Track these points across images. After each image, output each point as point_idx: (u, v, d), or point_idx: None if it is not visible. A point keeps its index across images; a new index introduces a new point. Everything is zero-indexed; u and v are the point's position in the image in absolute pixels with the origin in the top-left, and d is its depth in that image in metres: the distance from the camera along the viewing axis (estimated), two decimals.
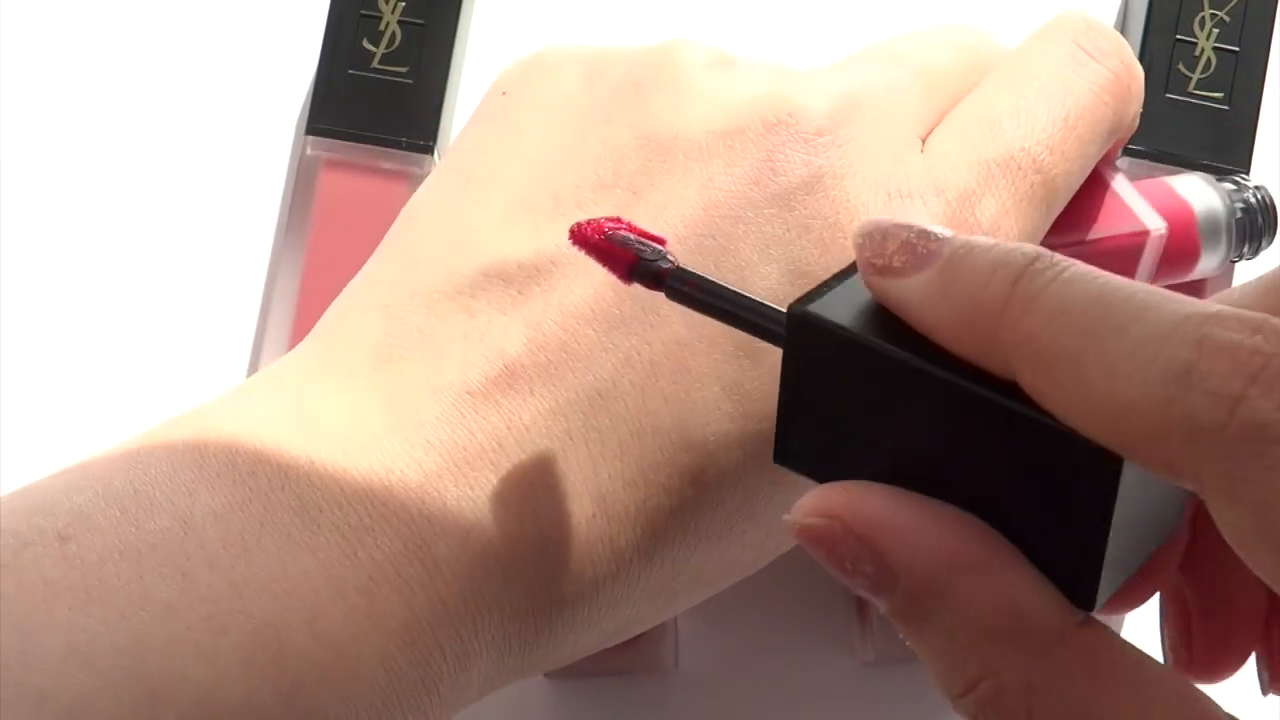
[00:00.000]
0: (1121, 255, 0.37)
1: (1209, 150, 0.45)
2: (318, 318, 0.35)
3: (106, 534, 0.29)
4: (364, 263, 0.36)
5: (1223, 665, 0.30)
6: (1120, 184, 0.38)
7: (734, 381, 0.32)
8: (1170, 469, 0.23)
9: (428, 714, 0.31)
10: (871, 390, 0.26)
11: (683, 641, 0.43)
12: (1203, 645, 0.30)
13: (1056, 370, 0.24)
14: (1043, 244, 0.36)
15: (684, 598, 0.34)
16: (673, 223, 0.33)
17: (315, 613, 0.29)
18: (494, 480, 0.31)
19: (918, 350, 0.26)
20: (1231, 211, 0.39)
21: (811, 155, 0.33)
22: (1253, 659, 0.30)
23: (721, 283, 0.30)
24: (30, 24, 0.48)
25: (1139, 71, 0.37)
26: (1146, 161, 0.45)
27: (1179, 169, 0.44)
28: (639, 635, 0.41)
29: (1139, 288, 0.24)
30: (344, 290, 0.35)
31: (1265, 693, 0.30)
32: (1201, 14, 0.45)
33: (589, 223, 0.31)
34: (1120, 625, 0.43)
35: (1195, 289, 0.42)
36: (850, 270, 0.28)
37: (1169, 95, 0.45)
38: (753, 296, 0.29)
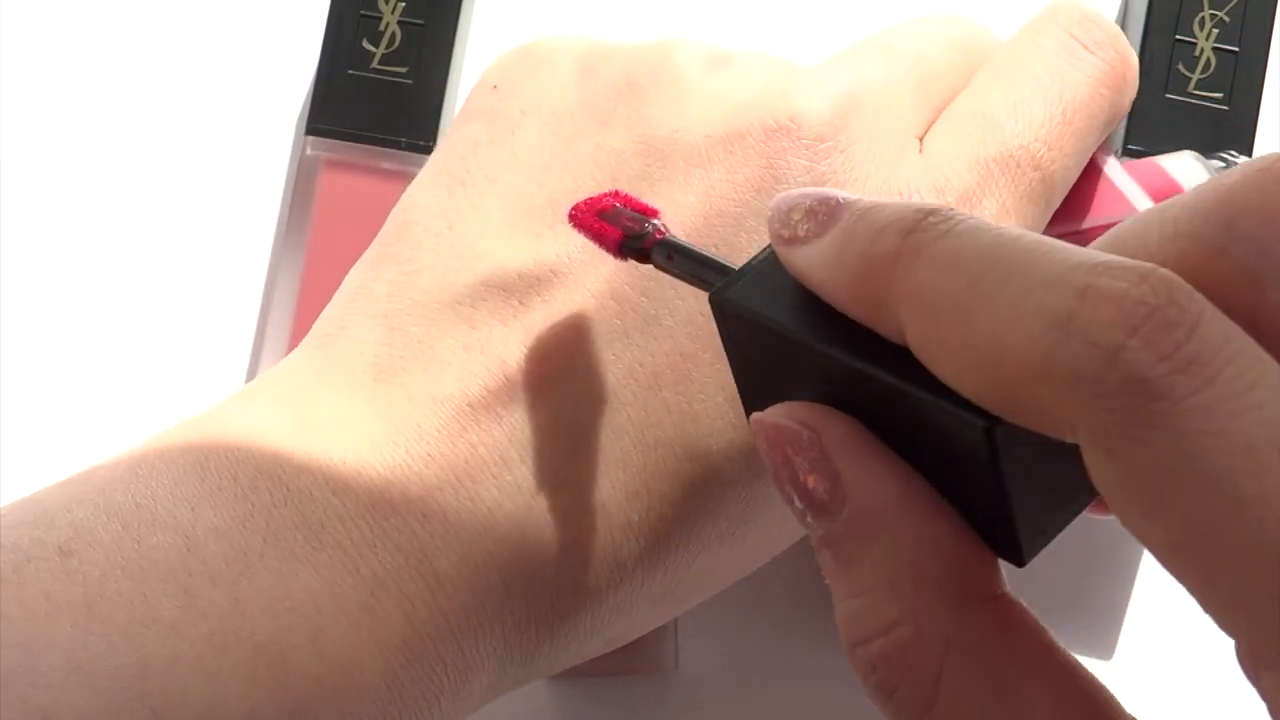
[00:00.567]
0: None
1: (1209, 151, 0.45)
2: (317, 318, 0.35)
3: (108, 549, 0.29)
4: None
5: None
6: (1112, 167, 0.38)
7: (737, 391, 0.32)
8: (1048, 420, 0.22)
9: None
10: (794, 362, 0.27)
11: (683, 642, 0.43)
12: None
13: (941, 321, 0.23)
14: None
15: (686, 601, 0.34)
16: (674, 231, 0.32)
17: (318, 629, 0.29)
18: (496, 493, 0.31)
19: (814, 323, 0.26)
20: None
21: (813, 162, 0.33)
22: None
23: (701, 251, 0.30)
24: (30, 24, 0.48)
25: (1134, 60, 0.36)
26: None
27: None
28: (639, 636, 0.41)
29: (1033, 238, 0.23)
30: (340, 292, 0.35)
31: None
32: (1201, 14, 0.45)
33: (584, 202, 0.31)
34: (1117, 634, 0.43)
35: None
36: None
37: (1169, 95, 0.45)
38: (724, 263, 0.29)
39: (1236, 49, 0.45)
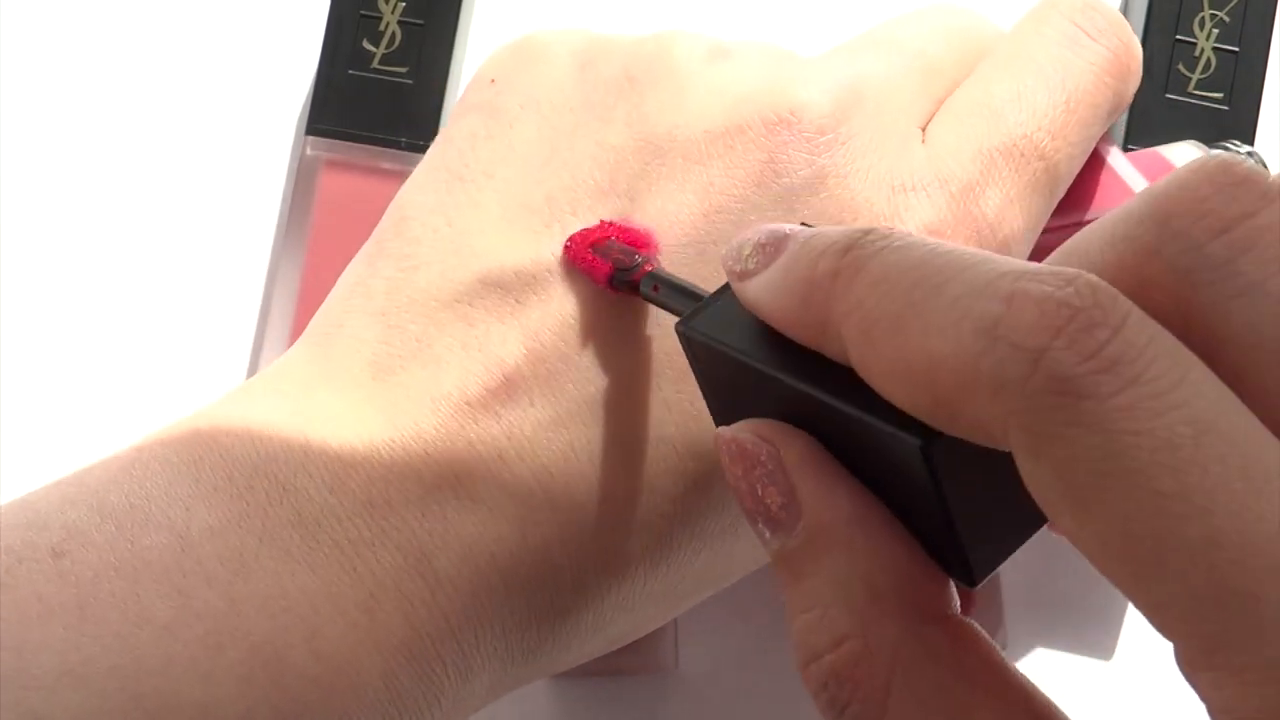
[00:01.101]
0: None
1: None
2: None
3: (101, 550, 0.28)
4: None
5: None
6: (1115, 158, 0.37)
7: None
8: (980, 428, 0.23)
9: None
10: (753, 387, 0.27)
11: (683, 641, 0.43)
12: None
13: (877, 336, 0.24)
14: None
15: (689, 599, 0.34)
16: (674, 229, 0.33)
17: (314, 630, 0.29)
18: (495, 492, 0.31)
19: (767, 348, 0.27)
20: None
21: (814, 155, 0.33)
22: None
23: (684, 284, 0.31)
24: (30, 24, 0.48)
25: (1138, 49, 0.36)
26: None
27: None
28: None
29: (965, 251, 0.24)
30: (337, 288, 0.35)
31: None
32: (1201, 14, 0.45)
33: (578, 234, 0.32)
34: (1117, 634, 0.43)
35: None
36: None
37: (1169, 95, 0.45)
38: (705, 294, 0.29)
39: (1236, 49, 0.45)
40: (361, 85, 0.46)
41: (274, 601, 0.29)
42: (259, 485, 0.30)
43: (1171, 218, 0.23)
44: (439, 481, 0.31)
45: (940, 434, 0.24)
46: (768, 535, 0.26)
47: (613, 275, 0.31)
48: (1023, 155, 0.34)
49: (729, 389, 0.28)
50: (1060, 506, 0.22)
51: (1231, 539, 0.20)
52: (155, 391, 0.46)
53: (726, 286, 0.28)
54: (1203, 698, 0.21)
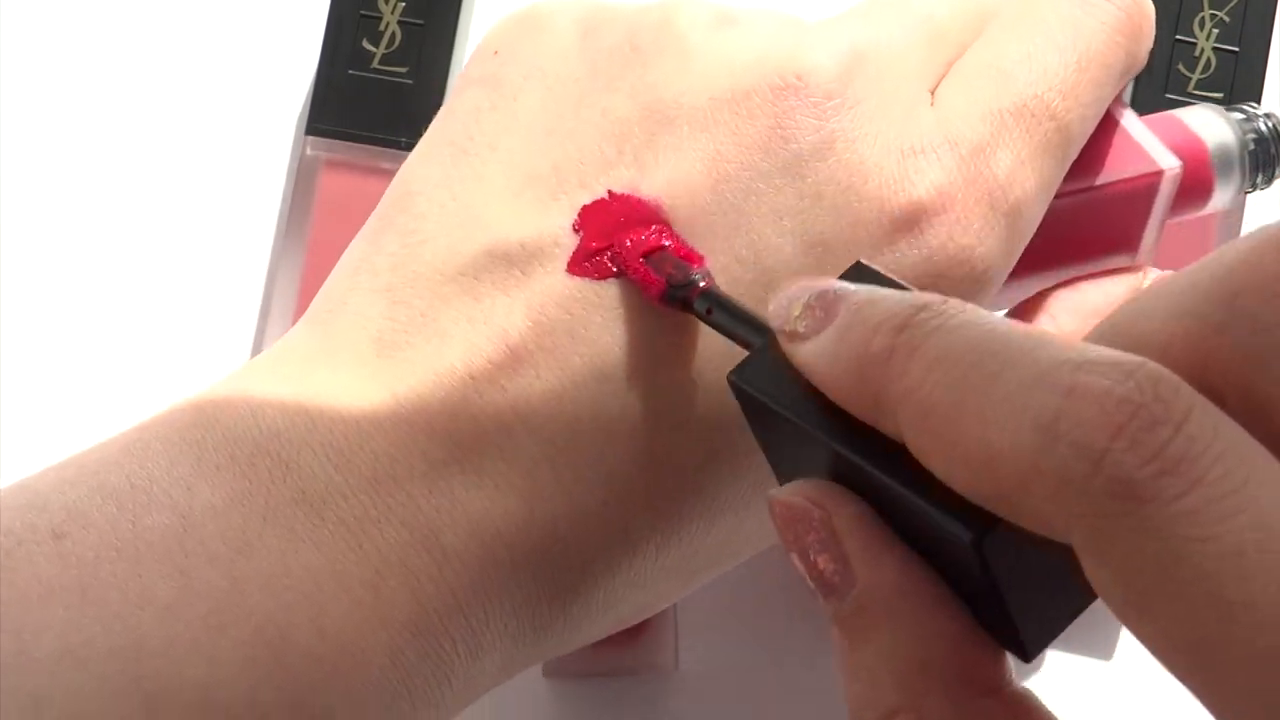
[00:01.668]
0: (1135, 197, 0.36)
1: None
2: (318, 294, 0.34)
3: (102, 531, 0.28)
4: None
5: None
6: (1130, 120, 0.37)
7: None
8: (1042, 523, 0.22)
9: (442, 705, 0.30)
10: (805, 443, 0.27)
11: (683, 641, 0.43)
12: None
13: (934, 423, 0.23)
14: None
15: (702, 574, 0.34)
16: (681, 200, 0.32)
17: (319, 608, 0.28)
18: (501, 466, 0.31)
19: (818, 409, 0.26)
20: (1244, 143, 0.38)
21: (822, 120, 0.32)
22: None
23: (741, 306, 0.30)
24: (30, 24, 0.48)
25: (1150, 8, 0.36)
26: None
27: None
28: (639, 635, 0.41)
29: (1021, 331, 0.23)
30: (340, 265, 0.34)
31: None
32: (1201, 14, 0.45)
33: (633, 239, 0.31)
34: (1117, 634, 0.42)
35: (1205, 225, 0.42)
36: None
37: (1169, 95, 0.45)
38: (760, 320, 0.29)
39: (1236, 49, 0.45)
40: (361, 85, 0.46)
41: (277, 580, 0.28)
42: (261, 463, 0.30)
43: (1239, 295, 0.23)
44: (445, 456, 0.30)
45: (992, 526, 0.24)
46: (821, 599, 0.26)
47: (666, 291, 0.31)
48: (1034, 116, 0.33)
49: (780, 437, 0.28)
50: (1126, 607, 0.21)
51: None
52: (155, 391, 0.45)
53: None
54: None
